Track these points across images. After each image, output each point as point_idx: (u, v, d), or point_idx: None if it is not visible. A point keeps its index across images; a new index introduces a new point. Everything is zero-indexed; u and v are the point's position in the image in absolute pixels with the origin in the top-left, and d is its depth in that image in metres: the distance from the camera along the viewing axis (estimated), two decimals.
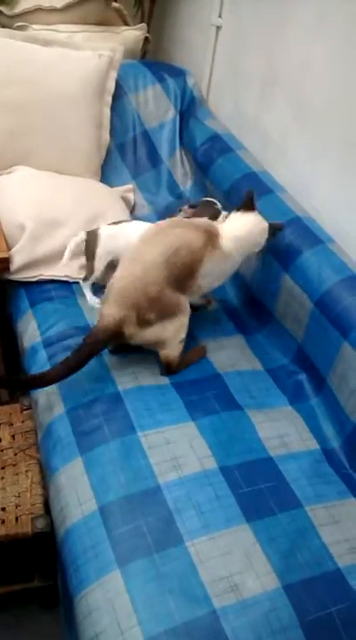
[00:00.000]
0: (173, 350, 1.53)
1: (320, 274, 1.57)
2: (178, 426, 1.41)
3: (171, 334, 1.50)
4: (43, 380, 1.46)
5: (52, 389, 1.50)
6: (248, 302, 1.85)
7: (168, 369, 1.54)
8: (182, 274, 1.48)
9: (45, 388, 1.51)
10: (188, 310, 1.52)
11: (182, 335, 1.53)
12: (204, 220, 1.61)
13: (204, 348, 1.66)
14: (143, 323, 1.45)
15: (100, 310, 1.49)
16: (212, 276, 1.56)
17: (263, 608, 1.11)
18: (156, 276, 1.44)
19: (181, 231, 1.51)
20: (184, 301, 1.51)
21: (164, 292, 1.45)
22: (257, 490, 1.30)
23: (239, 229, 1.58)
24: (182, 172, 2.28)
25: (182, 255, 1.46)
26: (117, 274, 1.49)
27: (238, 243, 1.57)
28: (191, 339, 1.65)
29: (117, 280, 1.47)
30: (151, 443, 1.36)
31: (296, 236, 1.69)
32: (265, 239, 1.61)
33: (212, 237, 1.53)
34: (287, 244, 1.69)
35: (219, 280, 1.62)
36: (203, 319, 1.73)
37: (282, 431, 1.46)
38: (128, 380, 1.51)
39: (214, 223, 1.62)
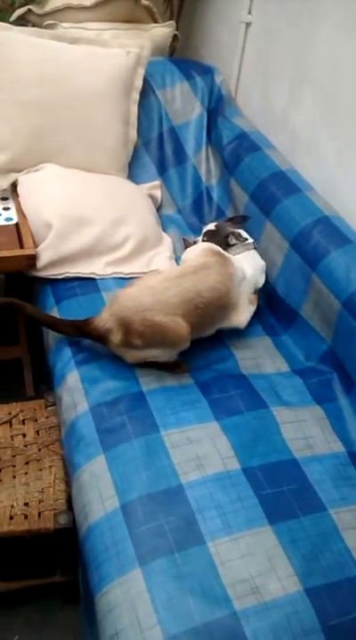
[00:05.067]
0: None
1: (349, 274, 1.56)
2: (201, 425, 1.40)
3: (151, 357, 1.52)
4: (39, 319, 1.65)
5: (76, 386, 1.51)
6: (274, 302, 1.83)
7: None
8: (208, 312, 1.55)
9: (69, 385, 1.52)
10: (183, 347, 1.53)
11: (160, 359, 1.54)
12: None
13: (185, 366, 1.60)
14: (128, 344, 1.49)
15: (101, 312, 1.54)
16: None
17: (285, 611, 1.10)
18: (167, 309, 1.48)
19: (203, 275, 1.57)
20: (188, 337, 1.51)
21: (175, 321, 1.47)
22: (280, 491, 1.29)
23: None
24: (207, 170, 2.26)
25: (206, 296, 1.53)
26: (129, 291, 1.54)
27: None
28: (217, 338, 1.65)
29: (125, 298, 1.52)
30: (174, 442, 1.36)
31: (324, 236, 1.67)
32: None
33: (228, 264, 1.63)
34: (315, 243, 1.67)
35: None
36: None
37: (307, 432, 1.44)
38: (152, 380, 1.51)
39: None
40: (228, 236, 1.80)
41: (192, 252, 1.72)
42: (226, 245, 1.79)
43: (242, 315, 1.68)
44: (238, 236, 1.81)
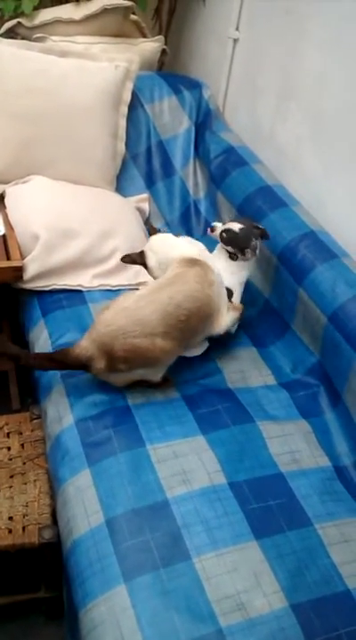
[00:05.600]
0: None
1: (334, 288, 1.57)
2: (187, 439, 1.40)
3: (138, 376, 1.50)
4: (16, 356, 1.53)
5: (61, 400, 1.50)
6: (263, 314, 1.84)
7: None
8: (191, 324, 1.48)
9: (54, 399, 1.51)
10: (169, 363, 1.51)
11: (148, 377, 1.51)
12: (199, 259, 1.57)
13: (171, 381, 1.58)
14: (113, 369, 1.45)
15: (79, 340, 1.48)
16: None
17: (270, 628, 1.09)
18: (147, 330, 1.43)
19: (179, 286, 1.50)
20: (173, 354, 1.49)
21: (153, 343, 1.43)
22: (266, 506, 1.29)
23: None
24: (195, 183, 2.28)
25: (187, 307, 1.46)
26: (106, 315, 1.47)
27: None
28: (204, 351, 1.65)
29: (102, 324, 1.45)
30: (160, 456, 1.35)
31: (310, 250, 1.68)
32: None
33: (207, 272, 1.54)
34: (301, 257, 1.68)
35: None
36: None
37: (293, 447, 1.44)
38: (138, 394, 1.51)
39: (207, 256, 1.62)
40: (249, 248, 1.67)
41: (156, 243, 1.66)
42: (241, 253, 1.67)
43: (222, 321, 1.59)
44: (254, 251, 1.69)
